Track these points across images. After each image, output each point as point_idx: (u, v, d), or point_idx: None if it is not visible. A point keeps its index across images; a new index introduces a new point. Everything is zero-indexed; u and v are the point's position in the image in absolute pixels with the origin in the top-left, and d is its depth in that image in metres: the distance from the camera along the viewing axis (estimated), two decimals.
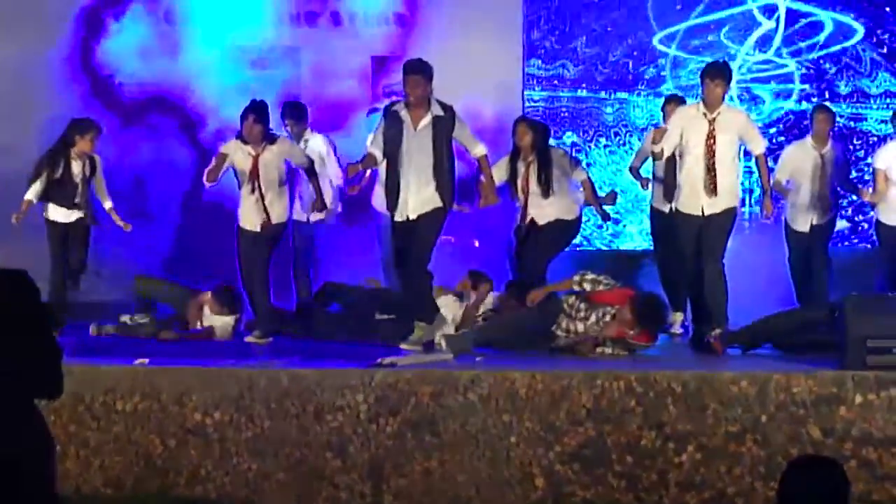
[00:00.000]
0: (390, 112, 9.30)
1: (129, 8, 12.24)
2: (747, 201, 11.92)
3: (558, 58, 12.75)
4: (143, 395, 8.22)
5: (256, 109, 9.87)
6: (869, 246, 12.01)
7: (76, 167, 10.43)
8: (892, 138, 10.56)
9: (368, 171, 10.06)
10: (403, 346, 9.15)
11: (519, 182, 10.23)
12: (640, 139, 12.00)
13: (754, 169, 10.55)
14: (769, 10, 12.60)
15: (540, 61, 12.72)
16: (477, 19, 11.93)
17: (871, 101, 12.61)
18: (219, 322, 10.28)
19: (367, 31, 12.31)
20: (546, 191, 10.14)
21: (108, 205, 10.66)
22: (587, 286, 9.39)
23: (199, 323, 10.36)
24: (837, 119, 11.45)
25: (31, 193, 10.38)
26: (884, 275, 10.36)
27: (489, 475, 8.03)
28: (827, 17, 12.59)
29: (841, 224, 11.57)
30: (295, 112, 10.83)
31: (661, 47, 12.65)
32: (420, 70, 9.19)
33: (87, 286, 10.64)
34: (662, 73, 12.66)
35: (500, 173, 10.23)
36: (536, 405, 8.02)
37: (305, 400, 8.12)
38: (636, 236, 12.65)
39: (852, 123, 12.53)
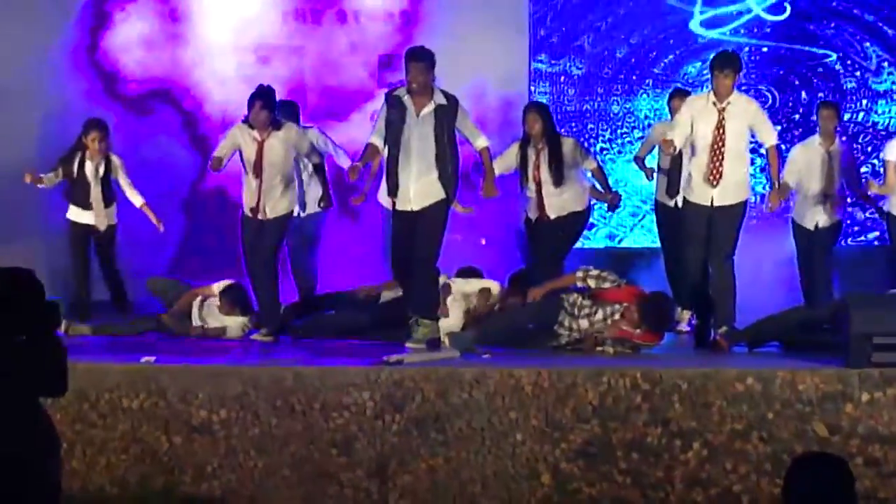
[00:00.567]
0: (393, 97, 9.22)
1: (135, 3, 12.26)
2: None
3: (564, 55, 12.75)
4: (149, 393, 8.22)
5: (263, 95, 9.84)
6: (877, 243, 11.99)
7: (89, 167, 10.50)
8: None
9: (375, 166, 9.93)
10: (409, 344, 9.15)
11: (530, 170, 10.23)
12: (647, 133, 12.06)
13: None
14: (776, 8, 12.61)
15: (546, 57, 12.72)
16: (483, 17, 11.93)
17: (879, 99, 12.59)
18: (230, 322, 10.26)
19: (373, 29, 12.31)
20: (558, 179, 10.13)
21: (138, 202, 10.67)
22: (591, 282, 9.36)
23: (192, 315, 10.32)
24: (845, 117, 11.44)
25: (47, 179, 10.48)
26: None
27: (495, 472, 8.02)
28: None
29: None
30: (286, 109, 10.78)
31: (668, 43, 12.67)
32: (422, 57, 9.14)
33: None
34: (669, 70, 12.64)
35: (509, 161, 10.23)
36: (542, 402, 8.02)
37: (311, 397, 8.12)
38: (637, 235, 12.66)
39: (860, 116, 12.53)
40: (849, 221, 11.73)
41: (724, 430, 7.94)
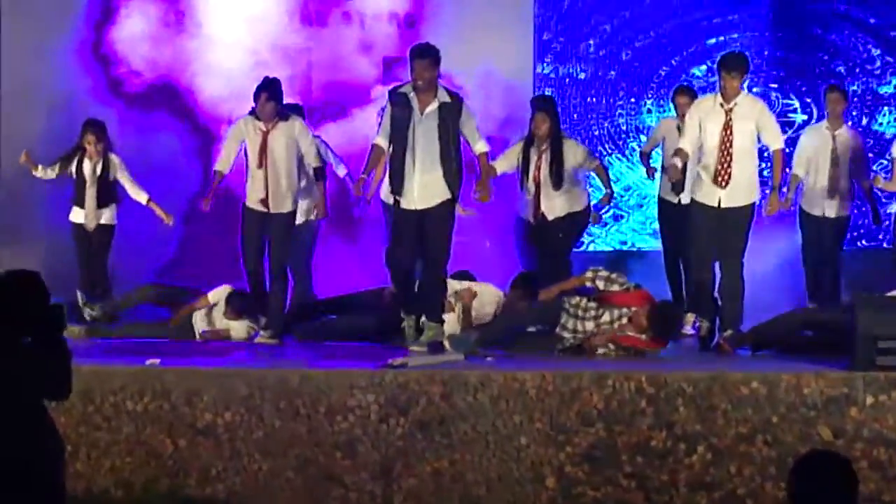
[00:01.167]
0: (398, 94, 9.20)
1: (139, 7, 12.27)
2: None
3: (569, 58, 12.74)
4: (154, 396, 8.21)
5: (268, 87, 9.82)
6: (885, 245, 11.97)
7: (87, 167, 10.49)
8: None
9: (379, 171, 9.92)
10: (413, 347, 9.15)
11: (531, 170, 10.22)
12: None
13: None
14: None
15: (551, 61, 12.72)
16: (488, 20, 11.94)
17: (883, 103, 12.58)
18: (235, 325, 10.25)
19: (378, 31, 12.30)
20: (557, 182, 10.14)
21: (143, 199, 10.65)
22: (600, 284, 9.33)
23: (193, 325, 10.31)
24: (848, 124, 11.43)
25: (42, 170, 10.50)
26: None
27: (499, 476, 8.02)
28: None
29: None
30: (290, 112, 10.76)
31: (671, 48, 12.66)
32: (427, 54, 9.12)
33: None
34: (674, 73, 12.63)
35: (511, 160, 10.24)
36: (547, 406, 8.01)
37: (316, 400, 8.11)
38: (637, 235, 12.66)
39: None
40: (860, 222, 11.75)
41: (728, 434, 7.94)
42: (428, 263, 9.31)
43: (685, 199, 10.01)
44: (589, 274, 9.44)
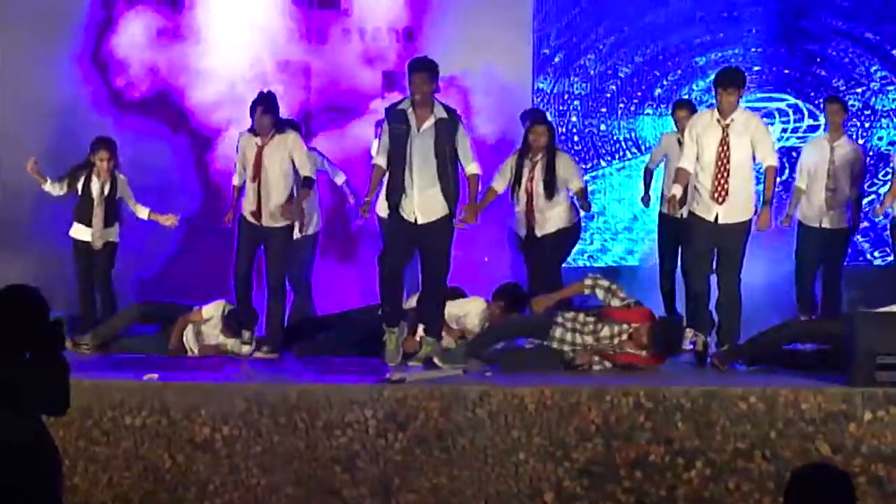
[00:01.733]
0: (395, 111, 9.22)
1: (141, 14, 12.30)
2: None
3: (568, 73, 12.77)
4: (152, 410, 8.21)
5: (264, 101, 9.86)
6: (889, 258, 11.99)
7: (95, 186, 10.52)
8: None
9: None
10: (410, 362, 9.16)
11: (524, 182, 10.19)
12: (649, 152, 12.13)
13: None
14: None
15: (550, 75, 12.74)
16: (487, 34, 11.94)
17: (881, 118, 12.60)
18: (231, 342, 10.23)
19: (377, 47, 12.33)
20: (550, 193, 10.10)
21: (144, 214, 10.68)
22: (600, 293, 9.25)
23: (184, 341, 10.29)
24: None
25: (50, 184, 10.49)
26: None
27: (498, 491, 8.01)
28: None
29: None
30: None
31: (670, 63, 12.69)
32: (426, 67, 9.13)
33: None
34: (672, 89, 12.66)
35: (505, 177, 10.24)
36: (545, 421, 8.01)
37: (314, 415, 8.11)
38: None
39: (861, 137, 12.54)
40: (860, 238, 11.80)
41: (727, 449, 7.94)
42: (427, 278, 9.33)
43: (685, 212, 10.01)
44: (588, 281, 9.35)
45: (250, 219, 9.88)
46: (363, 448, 8.05)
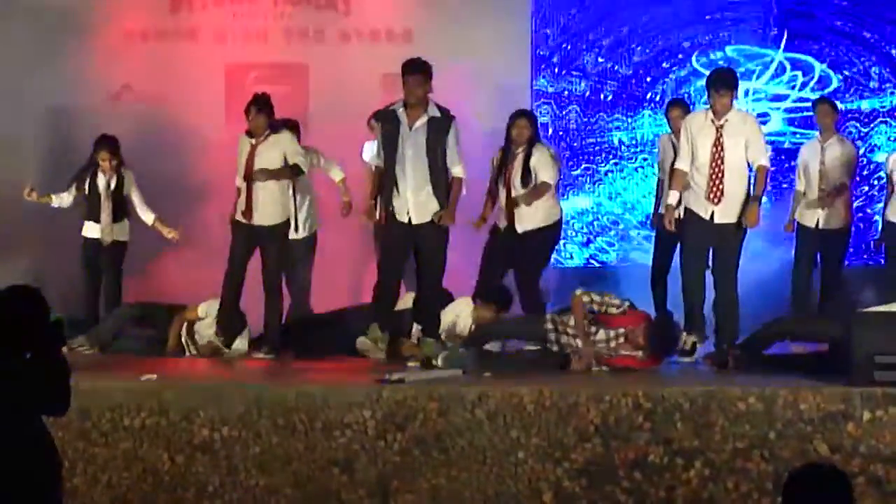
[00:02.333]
0: (386, 113, 9.27)
1: (139, 17, 12.31)
2: None
3: (567, 73, 12.77)
4: (151, 412, 8.20)
5: (258, 102, 9.89)
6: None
7: (101, 182, 10.55)
8: None
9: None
10: (409, 363, 9.17)
11: (504, 173, 10.12)
12: (649, 153, 12.15)
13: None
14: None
15: (548, 75, 12.74)
16: (485, 35, 11.96)
17: (881, 119, 12.59)
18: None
19: (376, 48, 12.34)
20: (526, 183, 9.97)
21: (150, 219, 10.71)
22: (595, 308, 9.22)
23: (181, 340, 10.28)
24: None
25: (56, 198, 10.48)
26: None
27: (497, 491, 8.01)
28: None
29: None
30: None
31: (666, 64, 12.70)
32: (420, 69, 9.17)
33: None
34: (671, 89, 12.66)
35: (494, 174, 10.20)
36: (544, 421, 8.01)
37: (313, 416, 8.11)
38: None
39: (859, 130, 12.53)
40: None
41: (726, 449, 7.93)
42: (424, 278, 9.34)
43: (682, 211, 9.99)
44: (585, 298, 9.28)
45: (241, 219, 9.87)
46: (362, 449, 8.05)
